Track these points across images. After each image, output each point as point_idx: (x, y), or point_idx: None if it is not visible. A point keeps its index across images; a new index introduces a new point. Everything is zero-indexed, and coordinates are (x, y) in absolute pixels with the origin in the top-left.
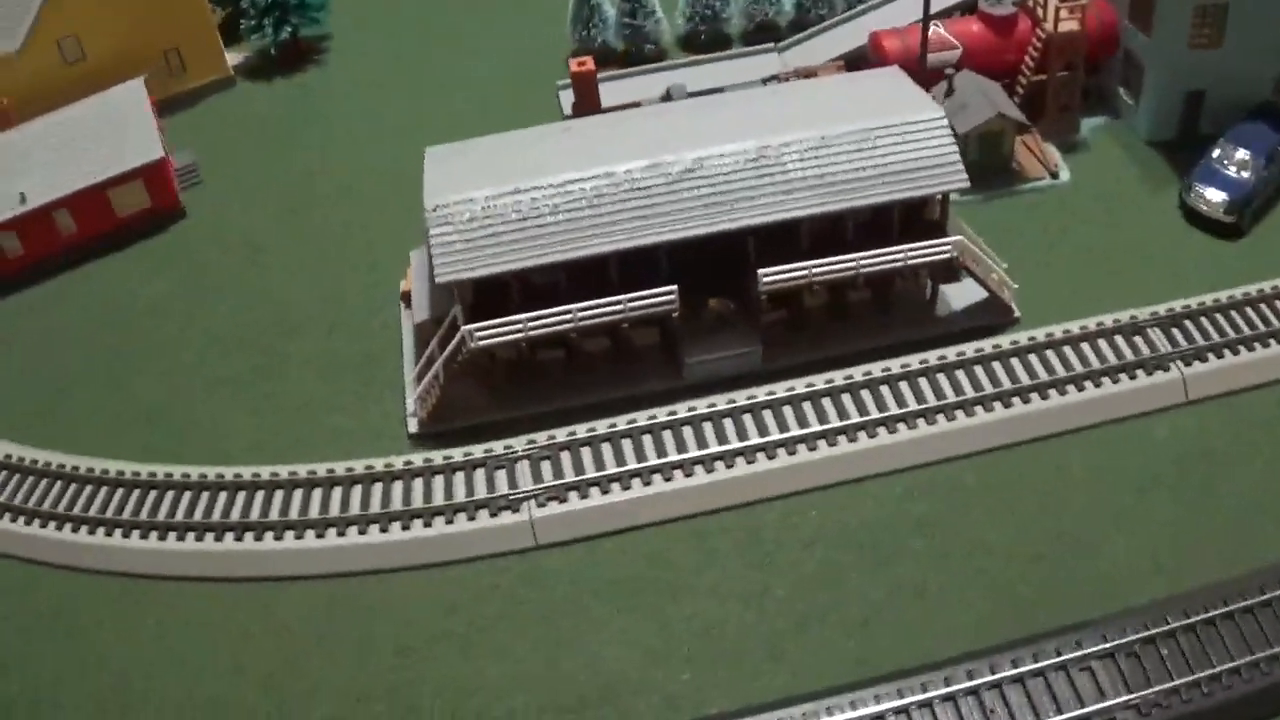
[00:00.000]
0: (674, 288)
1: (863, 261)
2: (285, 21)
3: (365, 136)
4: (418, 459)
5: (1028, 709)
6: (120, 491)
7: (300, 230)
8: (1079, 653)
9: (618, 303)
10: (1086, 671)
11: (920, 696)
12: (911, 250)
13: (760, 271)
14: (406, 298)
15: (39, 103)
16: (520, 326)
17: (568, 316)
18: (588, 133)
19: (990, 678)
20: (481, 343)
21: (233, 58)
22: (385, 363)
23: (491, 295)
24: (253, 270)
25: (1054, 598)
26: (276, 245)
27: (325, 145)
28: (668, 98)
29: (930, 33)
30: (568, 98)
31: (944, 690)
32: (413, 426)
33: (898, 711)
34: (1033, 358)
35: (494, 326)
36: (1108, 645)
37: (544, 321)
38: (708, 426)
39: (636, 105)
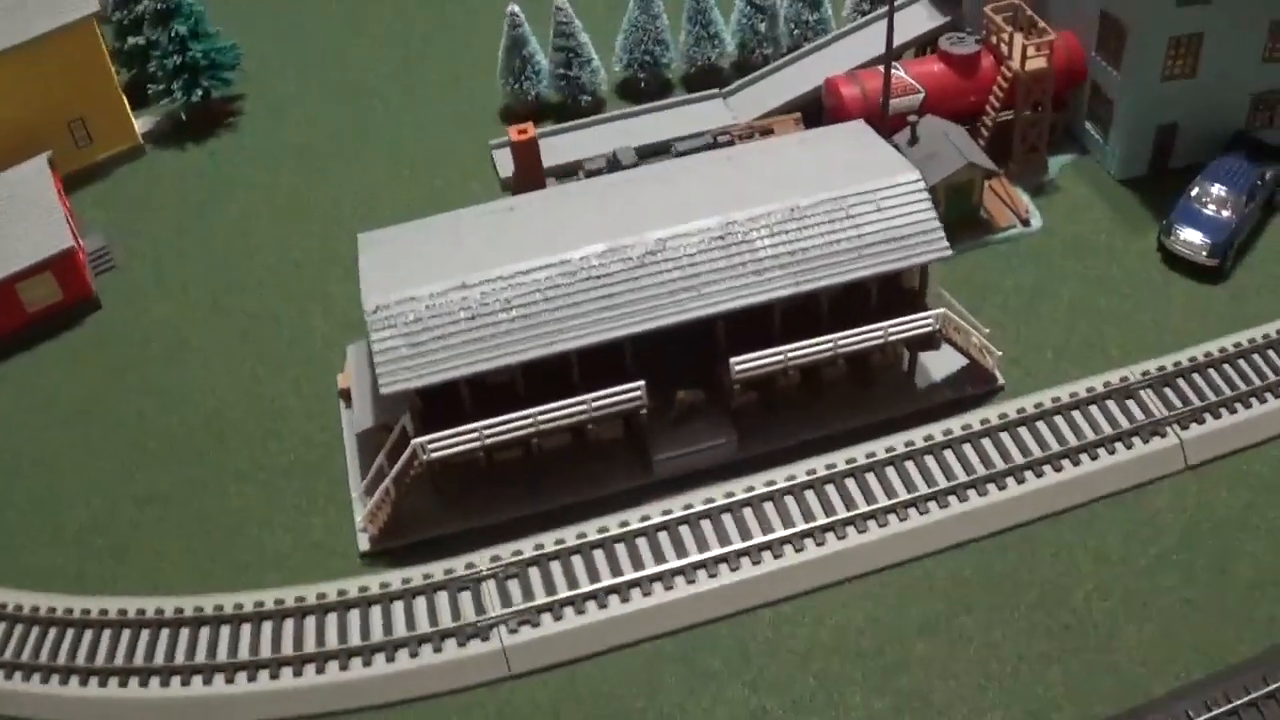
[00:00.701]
0: (641, 383)
1: (840, 341)
2: (196, 84)
3: (288, 209)
4: (373, 583)
5: None
6: (54, 631)
7: (225, 320)
8: None
9: (581, 402)
10: None
11: None
12: (892, 326)
13: (732, 360)
14: (346, 395)
15: None
16: (476, 435)
17: (528, 420)
18: (536, 212)
19: None
20: (435, 455)
21: (141, 124)
22: (327, 471)
23: (441, 399)
24: (176, 367)
25: (1072, 698)
26: (201, 337)
27: (246, 221)
28: (615, 163)
29: (892, 78)
30: (503, 157)
31: None
32: (363, 544)
33: None
34: (1023, 431)
35: (448, 436)
36: None
37: (502, 427)
38: (684, 530)
39: (579, 167)
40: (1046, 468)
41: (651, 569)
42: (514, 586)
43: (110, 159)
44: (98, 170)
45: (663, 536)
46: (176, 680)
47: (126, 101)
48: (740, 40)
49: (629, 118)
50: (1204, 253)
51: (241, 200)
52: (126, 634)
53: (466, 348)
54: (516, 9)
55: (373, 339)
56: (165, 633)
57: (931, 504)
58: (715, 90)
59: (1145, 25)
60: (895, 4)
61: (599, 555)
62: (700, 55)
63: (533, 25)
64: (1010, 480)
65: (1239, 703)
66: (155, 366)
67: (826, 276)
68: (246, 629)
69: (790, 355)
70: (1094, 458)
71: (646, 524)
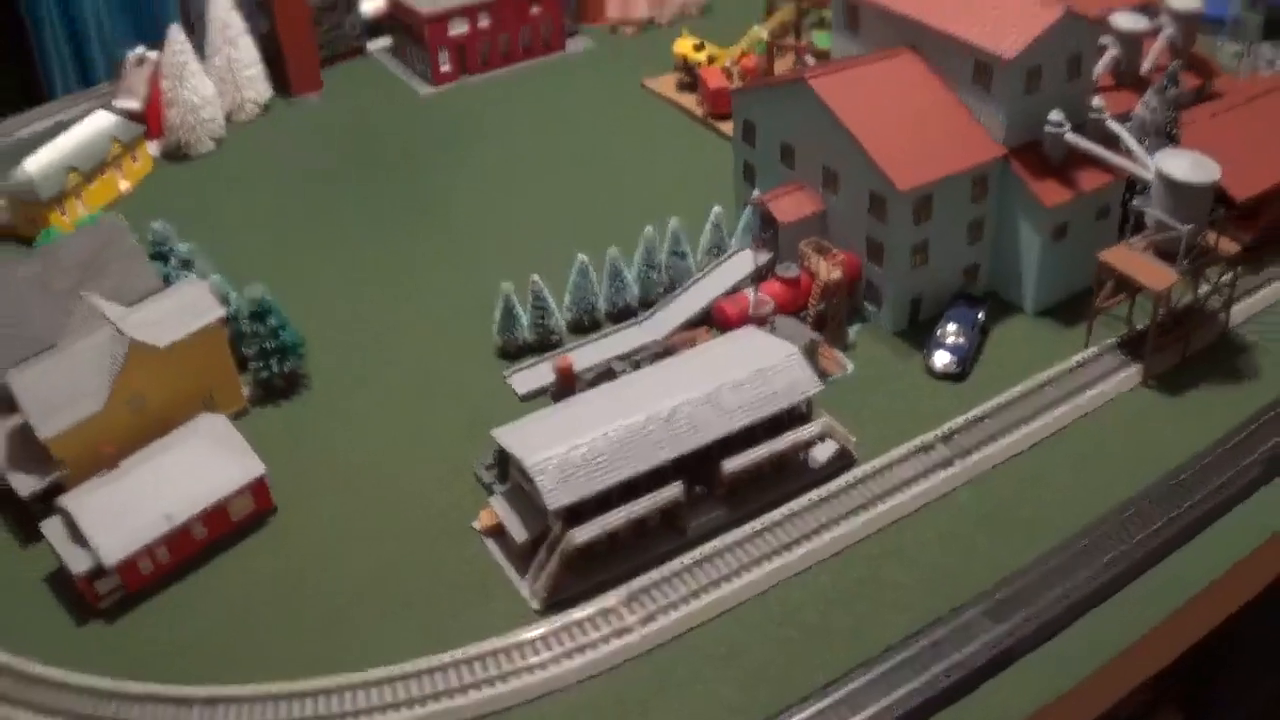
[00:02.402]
0: (679, 482)
1: (775, 446)
2: (284, 360)
3: (363, 457)
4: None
5: None
6: None
7: (366, 530)
8: None
9: (649, 499)
10: None
11: None
12: (800, 432)
13: (723, 463)
14: (489, 530)
15: (117, 446)
16: (598, 525)
17: (629, 512)
18: (593, 403)
19: None
20: (579, 540)
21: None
22: (497, 579)
23: (572, 510)
24: (341, 554)
25: None
26: (352, 536)
27: (351, 455)
28: (610, 372)
29: (753, 296)
30: (520, 381)
31: None
32: (535, 604)
33: None
34: (872, 481)
35: (584, 529)
36: None
37: (614, 518)
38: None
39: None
40: (888, 497)
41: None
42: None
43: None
44: None
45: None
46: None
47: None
48: (642, 285)
49: (586, 344)
50: (952, 366)
51: (322, 450)
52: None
53: (589, 477)
54: (510, 287)
55: (537, 479)
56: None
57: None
58: (632, 320)
59: (896, 242)
60: (733, 253)
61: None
62: (619, 299)
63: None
64: (863, 511)
65: None
66: (325, 556)
67: (762, 412)
68: None
69: (751, 458)
70: (910, 487)
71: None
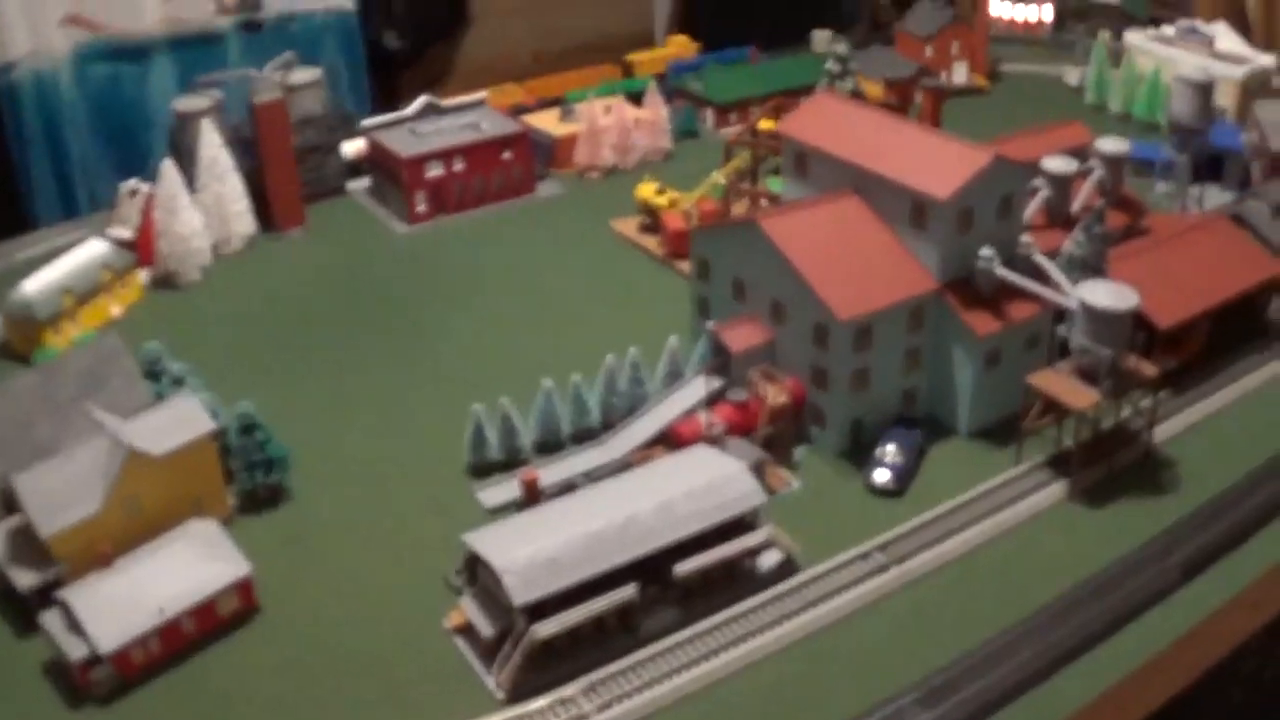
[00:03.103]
0: (634, 584)
1: (724, 552)
2: (269, 472)
3: (341, 563)
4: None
5: None
6: None
7: (345, 629)
8: None
9: (606, 598)
10: None
11: None
12: (747, 540)
13: (675, 566)
14: (457, 629)
15: (113, 545)
16: (558, 622)
17: (592, 609)
18: (558, 512)
19: None
20: (542, 634)
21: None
22: (465, 675)
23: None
24: (321, 650)
25: None
26: (331, 636)
27: (328, 559)
28: (572, 486)
29: (705, 419)
30: (488, 496)
31: None
32: (499, 695)
33: None
34: (813, 586)
35: (548, 624)
36: None
37: (578, 613)
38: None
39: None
40: (827, 601)
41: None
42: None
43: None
44: None
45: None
46: None
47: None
48: (603, 410)
49: (553, 463)
50: (890, 484)
51: (320, 547)
52: None
53: (552, 577)
54: (481, 409)
55: (503, 578)
56: None
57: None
58: (593, 441)
59: (839, 369)
60: (688, 379)
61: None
62: (581, 422)
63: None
64: (809, 610)
65: None
66: (301, 660)
67: (712, 520)
68: None
69: (702, 562)
70: (847, 592)
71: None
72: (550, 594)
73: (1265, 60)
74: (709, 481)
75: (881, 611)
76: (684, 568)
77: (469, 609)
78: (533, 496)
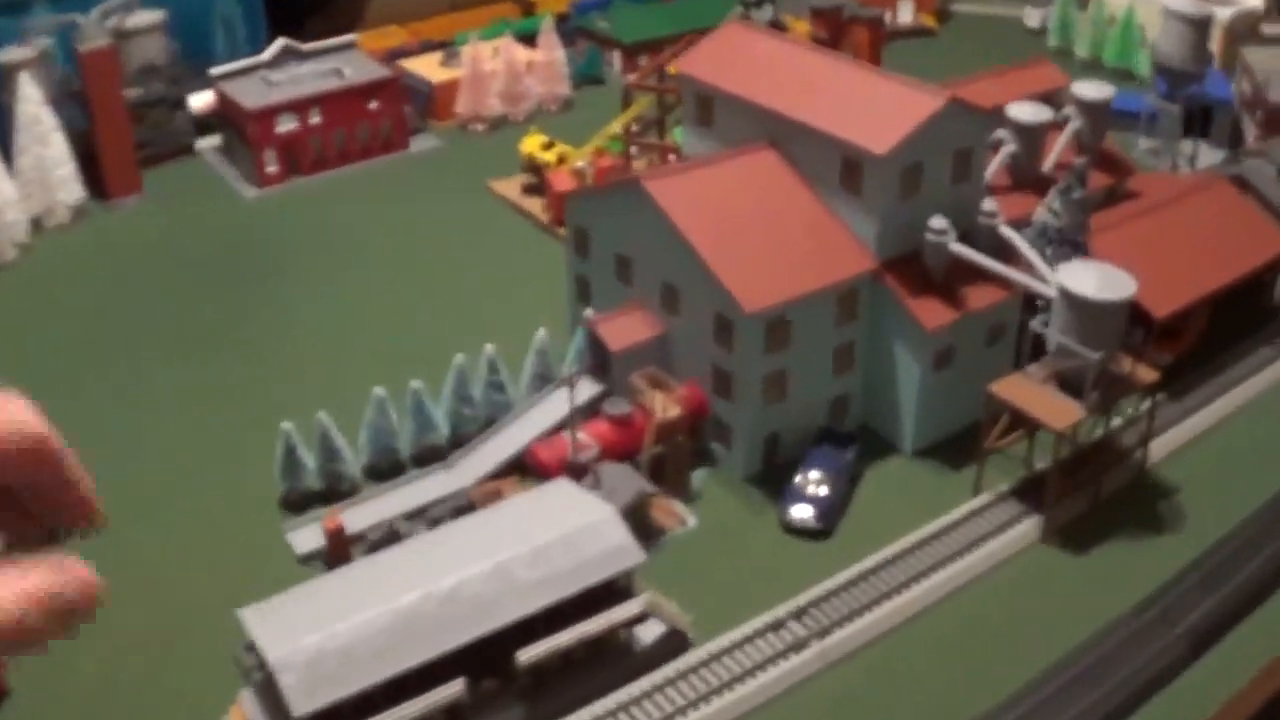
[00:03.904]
0: (461, 680)
1: (585, 629)
2: None
3: (114, 636)
4: None
5: None
6: None
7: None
8: None
9: (423, 699)
10: None
11: None
12: (615, 612)
13: (518, 654)
14: None
15: None
16: None
17: (408, 711)
18: (367, 574)
19: None
20: None
21: None
22: None
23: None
24: None
25: None
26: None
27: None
28: (394, 533)
29: (572, 441)
30: (300, 539)
31: None
32: None
33: None
34: (711, 667)
35: None
36: None
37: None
38: None
39: (360, 537)
40: (726, 690)
41: None
42: None
43: None
44: None
45: None
46: None
47: None
48: (452, 423)
49: (383, 495)
50: (814, 522)
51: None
52: None
53: (346, 676)
54: (290, 427)
55: (280, 679)
56: None
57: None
58: (439, 464)
59: (746, 373)
60: (574, 383)
61: None
62: (424, 440)
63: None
64: (702, 703)
65: None
66: None
67: (569, 589)
68: None
69: (556, 645)
70: (756, 676)
71: None
72: (344, 699)
73: (1253, 1)
74: (566, 534)
75: (795, 704)
76: (529, 655)
77: (249, 707)
78: (339, 549)
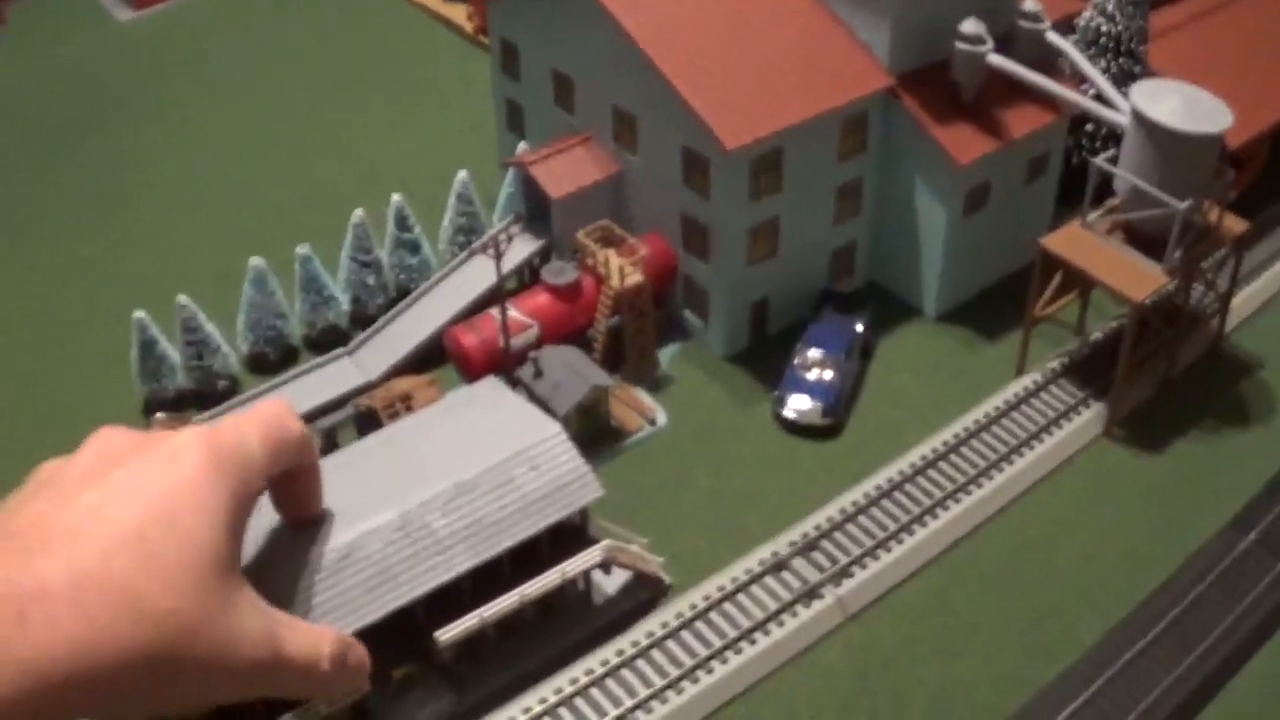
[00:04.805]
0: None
1: (526, 591)
2: None
3: None
4: None
5: None
6: None
7: None
8: None
9: (312, 706)
10: None
11: None
12: (567, 566)
13: (436, 635)
14: None
15: None
16: None
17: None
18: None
19: None
20: None
21: None
22: None
23: None
24: None
25: None
26: None
27: None
28: (332, 430)
29: (499, 320)
30: None
31: None
32: None
33: None
34: (700, 625)
35: None
36: None
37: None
38: None
39: None
40: (728, 652)
41: None
42: None
43: None
44: None
45: None
46: None
47: None
48: (353, 295)
49: (267, 391)
50: (818, 415)
51: None
52: None
53: None
54: (143, 314)
55: None
56: None
57: (638, 713)
58: (341, 350)
59: (725, 224)
60: (501, 248)
61: None
62: (319, 318)
63: (158, 327)
64: (699, 672)
65: None
66: None
67: (502, 541)
68: None
69: (486, 617)
70: (766, 633)
71: None
72: None
73: None
74: (498, 462)
75: (806, 670)
76: (450, 635)
77: None
78: None
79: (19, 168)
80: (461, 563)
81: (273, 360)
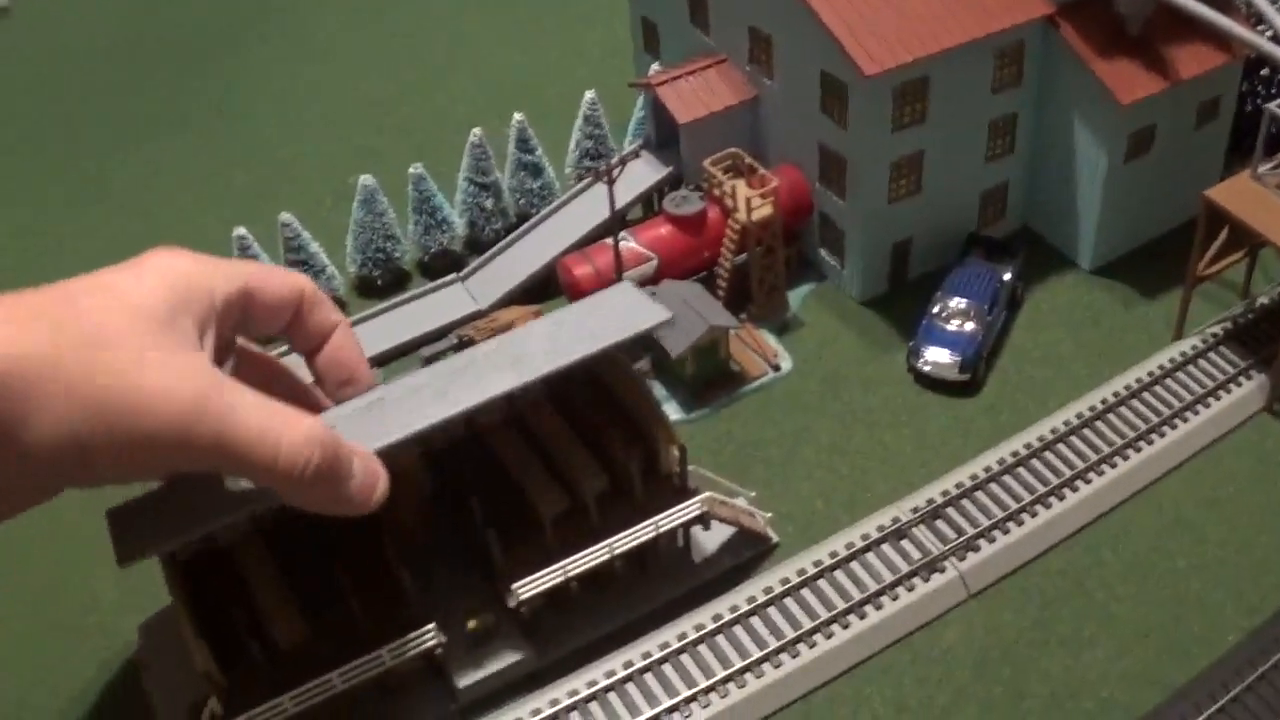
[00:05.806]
0: (432, 625)
1: (615, 544)
2: None
3: None
4: None
5: None
6: None
7: None
8: None
9: (378, 657)
10: None
11: None
12: (662, 519)
13: (513, 586)
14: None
15: None
16: (283, 706)
17: (331, 679)
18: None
19: None
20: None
21: None
22: None
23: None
24: None
25: None
26: None
27: None
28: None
29: (622, 249)
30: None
31: None
32: None
33: None
34: (806, 593)
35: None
36: None
37: (305, 694)
38: None
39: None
40: (835, 626)
41: None
42: None
43: None
44: None
45: None
46: None
47: None
48: (469, 220)
49: (376, 316)
50: (955, 370)
51: None
52: None
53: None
54: (244, 231)
55: None
56: None
57: (730, 685)
58: (453, 275)
59: (864, 156)
60: (614, 174)
61: None
62: (432, 242)
63: (261, 244)
64: (801, 645)
65: None
66: None
67: (553, 360)
68: None
69: (569, 569)
70: (878, 606)
71: None
72: None
73: None
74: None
75: (930, 645)
76: (528, 587)
77: None
78: None
79: (151, 79)
80: (502, 383)
81: (381, 284)
